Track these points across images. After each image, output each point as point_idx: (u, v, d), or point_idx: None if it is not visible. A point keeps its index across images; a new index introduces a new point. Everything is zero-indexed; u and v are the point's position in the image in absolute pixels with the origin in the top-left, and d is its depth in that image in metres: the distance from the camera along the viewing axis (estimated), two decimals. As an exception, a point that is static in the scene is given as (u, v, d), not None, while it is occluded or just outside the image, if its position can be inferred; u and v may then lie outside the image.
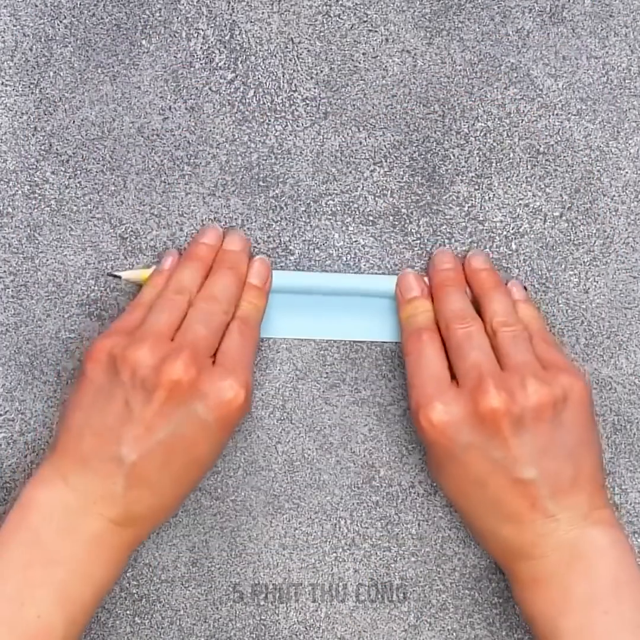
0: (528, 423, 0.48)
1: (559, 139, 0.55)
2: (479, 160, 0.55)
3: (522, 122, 0.55)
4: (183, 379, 0.47)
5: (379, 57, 0.54)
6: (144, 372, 0.47)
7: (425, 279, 0.54)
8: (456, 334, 0.50)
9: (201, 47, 0.54)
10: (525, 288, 0.54)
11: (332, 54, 0.54)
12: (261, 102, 0.54)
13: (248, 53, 0.54)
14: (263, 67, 0.54)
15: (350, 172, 0.55)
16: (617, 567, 0.47)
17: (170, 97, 0.54)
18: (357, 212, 0.55)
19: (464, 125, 0.55)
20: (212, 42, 0.54)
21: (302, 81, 0.54)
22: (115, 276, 0.53)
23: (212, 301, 0.50)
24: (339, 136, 0.55)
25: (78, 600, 0.47)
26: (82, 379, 0.49)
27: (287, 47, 0.54)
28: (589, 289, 0.55)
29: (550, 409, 0.48)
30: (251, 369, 0.50)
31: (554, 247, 0.55)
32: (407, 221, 0.55)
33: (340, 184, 0.55)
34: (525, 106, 0.55)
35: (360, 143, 0.55)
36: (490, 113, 0.55)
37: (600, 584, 0.47)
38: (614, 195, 0.55)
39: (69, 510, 0.47)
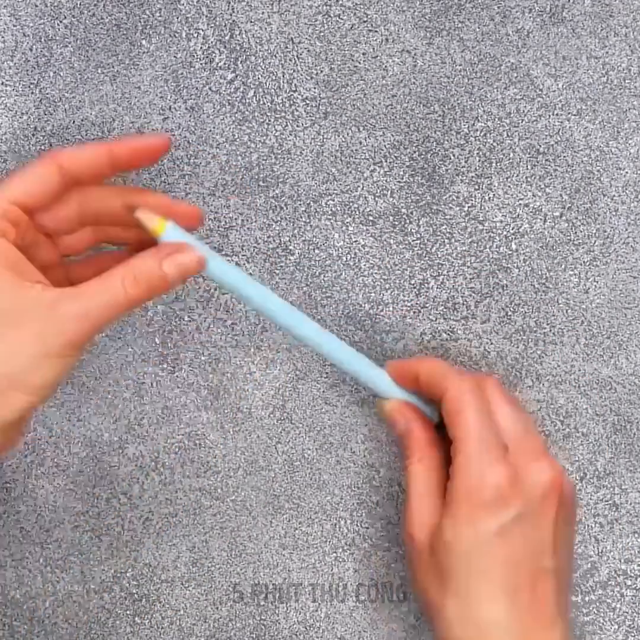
0: (564, 509, 0.48)
1: (559, 139, 0.55)
2: (479, 160, 0.55)
3: (522, 122, 0.55)
4: None
5: (379, 57, 0.54)
6: None
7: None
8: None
9: (201, 47, 0.54)
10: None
11: (332, 54, 0.54)
12: (261, 102, 0.54)
13: (248, 53, 0.54)
14: (263, 67, 0.54)
15: (350, 172, 0.55)
16: None
17: (170, 97, 0.54)
18: (357, 212, 0.55)
19: (464, 125, 0.55)
20: (212, 42, 0.54)
21: (302, 81, 0.54)
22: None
23: None
24: (339, 136, 0.55)
25: None
26: None
27: (287, 47, 0.54)
28: (589, 289, 0.55)
29: (572, 502, 0.49)
30: None
31: (554, 247, 0.55)
32: (407, 221, 0.55)
33: (340, 184, 0.55)
34: (525, 106, 0.55)
35: (360, 143, 0.55)
36: (490, 113, 0.55)
37: None
38: (614, 195, 0.55)
39: None
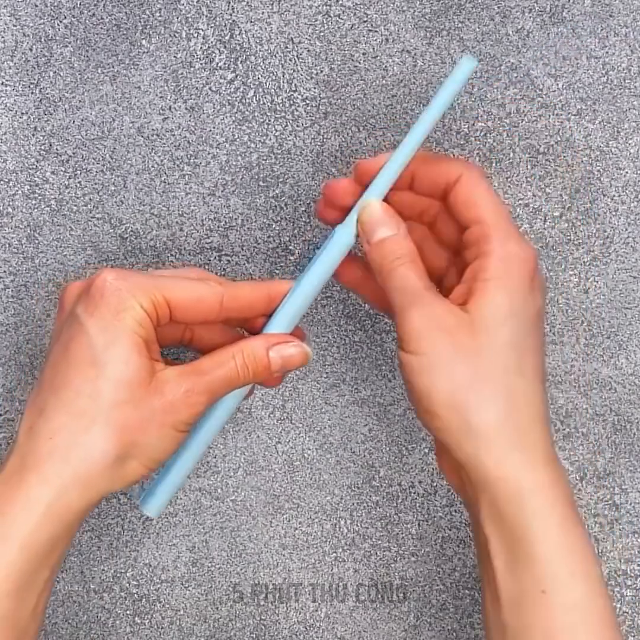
0: (543, 288, 0.48)
1: (559, 139, 0.55)
2: (479, 160, 0.55)
3: (522, 122, 0.55)
4: None
5: (379, 57, 0.54)
6: None
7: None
8: None
9: (201, 47, 0.54)
10: None
11: (332, 54, 0.54)
12: (261, 102, 0.54)
13: (248, 53, 0.54)
14: (263, 67, 0.54)
15: (350, 172, 0.55)
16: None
17: (170, 97, 0.54)
18: (357, 212, 0.55)
19: (464, 125, 0.55)
20: (212, 42, 0.54)
21: (302, 81, 0.54)
22: None
23: None
24: (339, 136, 0.55)
25: None
26: None
27: (287, 47, 0.54)
28: (589, 289, 0.55)
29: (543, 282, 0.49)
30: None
31: (554, 247, 0.55)
32: (407, 221, 0.55)
33: (340, 184, 0.55)
34: (525, 106, 0.55)
35: (360, 143, 0.55)
36: (490, 113, 0.55)
37: None
38: (614, 195, 0.55)
39: None
